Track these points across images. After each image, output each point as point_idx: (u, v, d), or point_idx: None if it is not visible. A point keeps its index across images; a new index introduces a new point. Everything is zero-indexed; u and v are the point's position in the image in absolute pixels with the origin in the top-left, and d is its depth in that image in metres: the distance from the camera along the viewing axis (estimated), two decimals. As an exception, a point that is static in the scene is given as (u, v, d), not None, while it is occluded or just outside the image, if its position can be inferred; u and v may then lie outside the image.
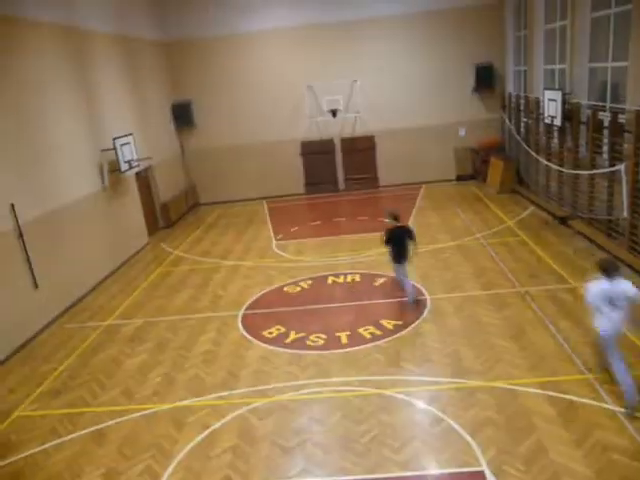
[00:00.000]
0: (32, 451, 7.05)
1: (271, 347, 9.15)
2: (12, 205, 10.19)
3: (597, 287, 6.44)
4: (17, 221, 10.27)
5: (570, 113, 13.26)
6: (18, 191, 10.46)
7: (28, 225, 10.59)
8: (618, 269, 6.46)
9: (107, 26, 15.21)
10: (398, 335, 9.06)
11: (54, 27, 12.43)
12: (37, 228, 10.90)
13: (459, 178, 20.20)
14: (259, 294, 11.53)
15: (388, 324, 9.49)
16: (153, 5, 18.95)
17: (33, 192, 11.00)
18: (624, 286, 6.30)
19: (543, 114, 14.80)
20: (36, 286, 10.69)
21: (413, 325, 9.34)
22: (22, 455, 6.99)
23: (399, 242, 9.92)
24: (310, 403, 7.46)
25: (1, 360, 9.59)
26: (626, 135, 10.91)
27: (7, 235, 10.08)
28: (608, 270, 6.38)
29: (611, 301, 6.32)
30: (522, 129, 17.60)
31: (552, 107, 13.86)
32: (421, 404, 7.18)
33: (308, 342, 9.16)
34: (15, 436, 7.42)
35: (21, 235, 10.35)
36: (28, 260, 10.50)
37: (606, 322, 6.38)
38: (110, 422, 7.50)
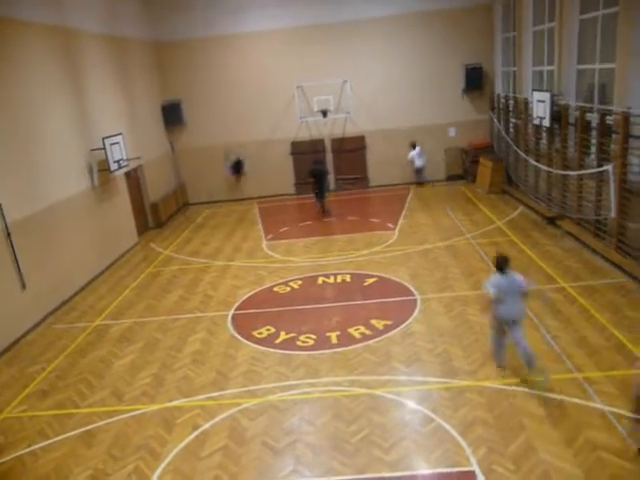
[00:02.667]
0: (20, 453, 6.99)
1: (261, 347, 9.13)
2: (0, 205, 10.12)
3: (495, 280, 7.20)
4: (5, 221, 10.17)
5: (558, 114, 13.35)
6: (6, 190, 10.35)
7: (16, 225, 10.48)
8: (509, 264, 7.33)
9: (97, 26, 15.09)
10: (388, 335, 9.07)
11: (43, 27, 12.31)
12: (25, 228, 10.80)
13: (449, 178, 20.28)
14: (249, 294, 11.50)
15: (378, 324, 9.49)
16: (143, 6, 18.83)
17: (21, 192, 10.89)
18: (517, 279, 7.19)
19: (532, 115, 14.90)
20: (24, 286, 10.59)
21: (403, 325, 9.36)
22: (9, 457, 6.93)
23: None
24: (300, 403, 7.45)
25: (-12, 361, 9.51)
26: (614, 136, 11.02)
27: (-6, 235, 10.00)
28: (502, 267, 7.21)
29: (507, 293, 7.07)
30: (511, 130, 17.69)
31: (541, 108, 13.95)
32: (411, 404, 7.20)
33: (298, 342, 9.15)
34: (2, 438, 7.35)
35: (9, 235, 10.26)
36: (16, 260, 10.40)
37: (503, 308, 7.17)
38: (99, 423, 7.45)
